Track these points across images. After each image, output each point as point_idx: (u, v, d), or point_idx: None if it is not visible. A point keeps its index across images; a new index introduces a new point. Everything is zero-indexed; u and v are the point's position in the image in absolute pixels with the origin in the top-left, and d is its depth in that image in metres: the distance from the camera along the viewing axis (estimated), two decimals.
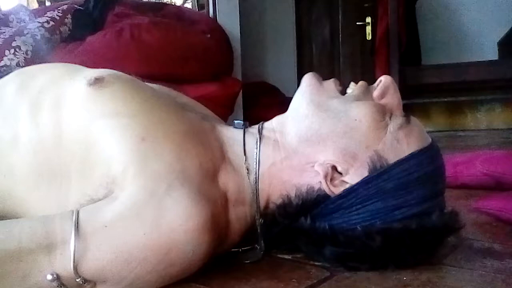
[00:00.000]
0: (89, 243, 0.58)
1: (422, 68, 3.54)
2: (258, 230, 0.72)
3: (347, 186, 0.66)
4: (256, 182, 0.70)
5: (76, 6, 2.42)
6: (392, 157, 0.65)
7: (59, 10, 2.33)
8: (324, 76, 0.74)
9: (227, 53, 2.78)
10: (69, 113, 0.68)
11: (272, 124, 0.74)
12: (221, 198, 0.67)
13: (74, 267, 0.57)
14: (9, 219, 0.69)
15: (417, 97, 3.41)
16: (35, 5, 4.03)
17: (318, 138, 0.68)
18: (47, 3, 3.88)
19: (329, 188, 0.66)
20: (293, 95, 0.73)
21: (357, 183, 0.65)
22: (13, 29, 2.17)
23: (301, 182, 0.68)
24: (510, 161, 1.17)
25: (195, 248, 0.61)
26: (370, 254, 0.65)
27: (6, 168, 0.68)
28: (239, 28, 3.04)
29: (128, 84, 0.71)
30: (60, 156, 0.66)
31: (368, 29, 3.78)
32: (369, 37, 3.77)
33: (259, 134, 0.72)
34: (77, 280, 0.58)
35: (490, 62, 3.33)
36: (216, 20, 2.95)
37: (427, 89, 3.43)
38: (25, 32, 2.14)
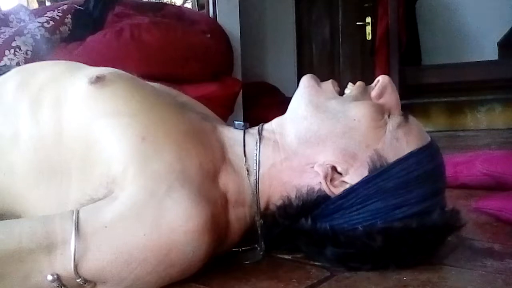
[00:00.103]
0: (89, 243, 0.58)
1: (422, 68, 3.54)
2: (259, 231, 0.72)
3: (347, 186, 0.66)
4: (256, 183, 0.70)
5: (76, 6, 2.42)
6: (392, 156, 0.65)
7: (59, 10, 2.33)
8: (324, 76, 0.74)
9: (227, 53, 2.78)
10: (70, 111, 0.68)
11: (272, 126, 0.75)
12: (221, 199, 0.67)
13: (74, 267, 0.57)
14: (8, 217, 0.69)
15: (417, 97, 3.40)
16: (35, 5, 4.03)
17: (318, 139, 0.68)
18: (47, 3, 3.87)
19: (329, 189, 0.66)
20: (293, 95, 0.74)
21: (357, 183, 0.65)
22: (13, 29, 2.17)
23: (301, 183, 0.68)
24: (510, 161, 1.17)
25: (195, 249, 0.61)
26: (371, 254, 0.65)
27: (6, 166, 0.68)
28: (239, 28, 3.04)
29: (129, 83, 0.71)
30: (61, 154, 0.66)
31: (368, 29, 3.78)
32: (369, 37, 3.76)
33: (259, 135, 0.73)
34: (78, 280, 0.58)
35: (490, 62, 3.33)
36: (216, 20, 2.95)
37: (427, 89, 3.42)
38: (25, 32, 2.14)
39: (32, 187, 0.67)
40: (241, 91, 2.75)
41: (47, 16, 2.26)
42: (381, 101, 0.70)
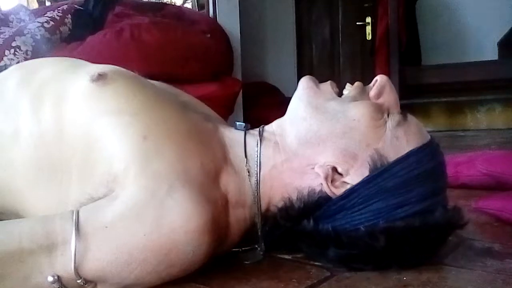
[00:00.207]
0: (89, 244, 0.58)
1: (422, 68, 3.54)
2: (259, 233, 0.72)
3: (348, 186, 0.66)
4: (257, 185, 0.70)
5: (76, 6, 2.42)
6: (392, 155, 0.65)
7: (59, 10, 2.33)
8: (324, 76, 0.75)
9: (227, 53, 2.78)
10: (71, 109, 0.67)
11: (272, 127, 0.74)
12: (221, 200, 0.67)
13: (75, 268, 0.57)
14: (8, 215, 0.69)
15: (417, 97, 3.41)
16: (35, 5, 4.03)
17: (318, 139, 0.68)
18: (47, 3, 3.87)
19: (330, 190, 0.66)
20: (293, 95, 0.74)
21: (358, 183, 0.65)
22: (13, 29, 2.17)
23: (302, 184, 0.68)
24: (510, 161, 1.17)
25: (195, 249, 0.61)
26: (374, 254, 0.64)
27: (6, 163, 0.68)
28: (239, 28, 3.04)
29: (130, 81, 0.71)
30: (61, 152, 0.66)
31: (368, 29, 3.78)
32: (369, 37, 3.77)
33: (259, 136, 0.73)
34: (78, 281, 0.58)
35: (490, 62, 3.33)
36: (216, 20, 2.95)
37: (427, 89, 3.43)
38: (25, 32, 2.13)
39: (32, 184, 0.67)
40: (241, 91, 2.75)
41: (47, 16, 2.26)
42: (380, 100, 0.70)
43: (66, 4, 2.43)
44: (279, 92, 3.34)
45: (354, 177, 0.65)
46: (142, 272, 0.60)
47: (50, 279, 0.57)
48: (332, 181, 0.66)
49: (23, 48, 2.07)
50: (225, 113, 2.39)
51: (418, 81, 3.37)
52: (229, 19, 2.98)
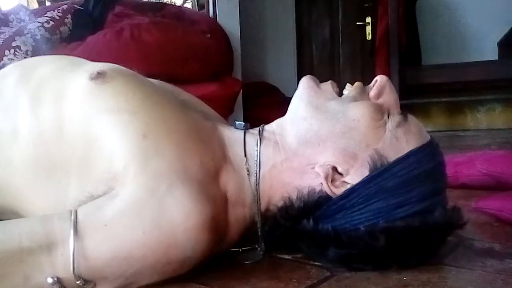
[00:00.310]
0: (88, 243, 0.58)
1: (422, 68, 3.55)
2: (259, 232, 0.72)
3: (348, 186, 0.66)
4: (257, 184, 0.70)
5: (76, 6, 2.42)
6: (392, 155, 0.65)
7: (59, 10, 2.32)
8: (324, 76, 0.74)
9: (227, 53, 2.79)
10: (70, 107, 0.68)
11: (272, 127, 0.74)
12: (221, 198, 0.67)
13: (73, 269, 0.58)
14: (8, 215, 0.69)
15: (417, 97, 3.41)
16: (35, 5, 4.03)
17: (318, 139, 0.68)
18: (47, 3, 3.87)
19: (330, 189, 0.66)
20: (293, 95, 0.74)
21: (358, 183, 0.65)
22: (13, 29, 2.17)
23: (302, 184, 0.68)
24: (510, 161, 1.17)
25: (194, 246, 0.61)
26: (374, 254, 0.64)
27: (5, 161, 0.68)
28: (239, 28, 3.04)
29: (129, 79, 0.71)
30: (60, 150, 0.66)
31: (368, 29, 3.78)
32: (369, 37, 3.76)
33: (259, 136, 0.73)
34: (78, 282, 0.58)
35: (490, 62, 3.33)
36: (216, 20, 2.95)
37: (427, 89, 3.43)
38: (25, 32, 2.13)
39: (31, 183, 0.67)
40: (241, 91, 2.75)
41: (47, 16, 2.26)
42: (380, 100, 0.70)
43: (66, 4, 2.43)
44: (279, 92, 3.34)
45: (354, 177, 0.65)
46: (140, 269, 0.60)
47: (50, 280, 0.57)
48: (332, 180, 0.66)
49: (23, 48, 2.07)
50: (225, 113, 2.39)
51: (418, 81, 3.37)
52: (229, 19, 2.98)
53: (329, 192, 0.66)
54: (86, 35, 2.27)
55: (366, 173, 0.65)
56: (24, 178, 0.67)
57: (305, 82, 0.72)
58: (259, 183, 0.70)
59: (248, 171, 0.70)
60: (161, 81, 0.83)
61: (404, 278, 0.64)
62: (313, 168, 0.67)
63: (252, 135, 0.74)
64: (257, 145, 0.71)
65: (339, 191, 0.66)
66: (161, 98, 0.71)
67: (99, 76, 0.68)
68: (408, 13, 3.46)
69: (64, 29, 2.29)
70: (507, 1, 3.34)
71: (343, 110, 0.68)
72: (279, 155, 0.71)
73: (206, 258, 0.65)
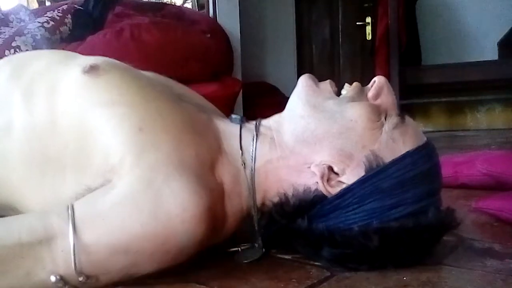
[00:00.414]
0: (87, 237, 0.59)
1: (422, 68, 3.54)
2: (256, 227, 0.72)
3: (344, 186, 0.66)
4: (252, 176, 0.70)
5: (76, 6, 2.42)
6: (388, 156, 0.65)
7: (59, 10, 2.33)
8: (324, 76, 0.74)
9: (227, 53, 2.78)
10: (64, 100, 0.68)
11: (270, 122, 0.75)
12: (217, 189, 0.67)
13: (74, 265, 0.58)
14: (6, 211, 0.69)
15: (417, 97, 3.41)
16: (35, 5, 4.02)
17: (314, 138, 0.68)
18: (47, 3, 3.87)
19: (325, 189, 0.66)
20: (292, 92, 0.74)
21: (354, 183, 0.65)
22: (13, 29, 2.17)
23: (298, 182, 0.68)
24: (510, 161, 1.17)
25: (191, 237, 0.62)
26: (368, 254, 0.65)
27: (0, 157, 0.68)
28: (239, 28, 3.04)
29: (123, 72, 0.72)
30: (54, 144, 0.67)
31: (368, 29, 3.78)
32: (369, 37, 3.76)
33: (256, 131, 0.73)
34: (80, 279, 0.59)
35: (490, 62, 3.33)
36: (216, 20, 2.95)
37: (427, 89, 3.42)
38: (25, 32, 2.13)
39: (26, 177, 0.67)
40: (241, 91, 2.75)
41: (47, 16, 2.26)
42: (378, 101, 0.70)
43: (66, 4, 2.43)
44: (279, 92, 3.34)
45: (350, 176, 0.66)
46: (139, 260, 0.61)
47: (53, 279, 0.58)
48: (328, 180, 0.66)
49: (23, 48, 2.07)
50: (225, 113, 2.36)
51: (418, 81, 3.36)
52: (229, 19, 2.97)
53: (324, 192, 0.66)
54: (86, 35, 2.27)
55: (361, 173, 0.65)
56: (18, 173, 0.68)
57: (304, 80, 0.73)
58: (254, 175, 0.70)
59: (244, 163, 0.70)
60: (155, 74, 0.83)
61: (404, 278, 0.64)
62: (309, 167, 0.68)
63: (249, 129, 0.74)
64: (253, 140, 0.71)
65: (334, 190, 0.66)
66: (156, 91, 0.72)
67: (92, 69, 0.69)
68: (408, 13, 3.46)
69: (64, 29, 2.30)
70: (507, 1, 3.34)
71: (340, 110, 0.68)
72: (275, 152, 0.71)
73: (204, 247, 0.65)
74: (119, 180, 0.62)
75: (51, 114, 0.67)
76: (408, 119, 0.69)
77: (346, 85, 0.74)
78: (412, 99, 3.32)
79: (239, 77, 2.93)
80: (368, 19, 3.77)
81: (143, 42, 2.25)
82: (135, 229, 0.60)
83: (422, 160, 0.66)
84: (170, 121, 0.68)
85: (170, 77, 0.87)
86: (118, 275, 0.62)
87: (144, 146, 0.64)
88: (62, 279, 0.58)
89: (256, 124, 0.74)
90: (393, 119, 0.68)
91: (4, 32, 2.14)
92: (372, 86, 0.71)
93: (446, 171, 1.25)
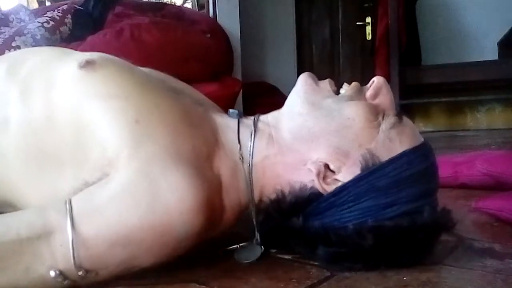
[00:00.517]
0: (85, 231, 0.59)
1: (422, 68, 3.54)
2: (254, 222, 0.72)
3: (339, 184, 0.66)
4: (250, 170, 0.70)
5: (76, 6, 2.42)
6: (384, 156, 0.65)
7: (59, 10, 2.33)
8: (324, 76, 0.75)
9: (227, 53, 2.78)
10: (60, 95, 0.68)
11: (268, 119, 0.75)
12: (214, 182, 0.67)
13: (74, 260, 0.58)
14: (6, 208, 0.69)
15: (417, 97, 3.41)
16: (35, 5, 4.03)
17: (312, 136, 0.68)
18: (47, 3, 3.87)
19: (321, 186, 0.66)
20: (292, 90, 0.74)
21: (349, 181, 0.65)
22: (13, 29, 2.17)
23: (294, 179, 0.68)
24: (510, 161, 1.17)
25: (188, 229, 0.62)
26: (362, 253, 0.65)
27: None
28: (239, 28, 3.04)
29: (119, 67, 0.72)
30: (51, 139, 0.67)
31: (368, 29, 3.78)
32: (369, 37, 3.76)
33: (254, 126, 0.73)
34: (80, 273, 0.59)
35: (490, 62, 3.33)
36: (216, 20, 2.95)
37: (427, 89, 3.42)
38: (25, 32, 2.14)
39: (23, 173, 0.68)
40: (241, 91, 2.75)
41: (47, 16, 2.26)
42: (376, 101, 0.70)
43: (66, 4, 2.43)
44: (279, 92, 3.34)
45: (345, 175, 0.66)
46: (138, 253, 0.61)
47: (52, 273, 0.58)
48: (324, 178, 0.66)
49: (23, 48, 2.07)
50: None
51: (418, 81, 3.36)
52: (229, 19, 2.97)
53: (320, 189, 0.66)
54: (86, 35, 2.27)
55: (357, 171, 0.65)
56: (16, 170, 0.68)
57: (304, 78, 0.73)
58: (251, 169, 0.70)
59: (241, 157, 0.70)
60: (151, 69, 0.84)
61: (404, 278, 0.64)
62: (305, 165, 0.68)
63: (246, 125, 0.74)
64: (251, 136, 0.72)
65: (330, 188, 0.66)
66: (152, 84, 0.72)
67: (88, 64, 0.69)
68: (408, 13, 3.46)
69: (64, 29, 2.30)
70: (507, 1, 3.34)
71: (338, 108, 0.68)
72: (273, 148, 0.71)
73: (202, 240, 0.65)
74: (116, 173, 0.62)
75: (48, 110, 0.67)
76: (405, 119, 0.69)
77: (345, 84, 0.74)
78: (412, 99, 3.32)
79: (239, 77, 2.93)
80: (368, 19, 3.77)
81: (143, 42, 2.25)
82: (133, 222, 0.60)
83: (419, 159, 0.66)
84: (167, 113, 0.68)
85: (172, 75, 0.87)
86: (117, 269, 0.62)
87: (141, 138, 0.64)
88: (61, 274, 0.58)
89: (254, 119, 0.75)
90: (390, 119, 0.68)
91: (4, 32, 2.14)
92: (370, 86, 0.72)
93: (446, 171, 1.25)
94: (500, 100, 3.43)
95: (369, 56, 3.68)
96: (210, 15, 3.01)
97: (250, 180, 0.70)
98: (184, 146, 0.66)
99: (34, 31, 2.16)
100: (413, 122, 0.72)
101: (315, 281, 0.65)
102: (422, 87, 3.39)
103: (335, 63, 4.00)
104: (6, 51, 2.04)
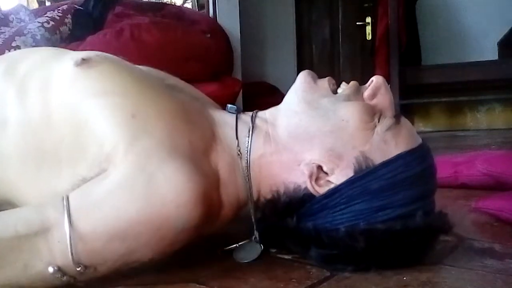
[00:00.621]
0: (83, 227, 0.59)
1: (422, 68, 3.54)
2: (252, 219, 0.72)
3: (332, 186, 0.65)
4: (247, 166, 0.70)
5: (76, 6, 2.42)
6: (378, 158, 0.65)
7: (59, 10, 2.33)
8: (323, 76, 0.74)
9: (227, 53, 2.78)
10: (57, 93, 0.68)
11: (266, 115, 0.75)
12: (212, 176, 0.67)
13: (72, 256, 0.58)
14: (5, 206, 0.69)
15: (417, 97, 3.40)
16: (35, 5, 4.03)
17: (306, 135, 0.68)
18: (47, 3, 3.87)
19: (314, 188, 0.66)
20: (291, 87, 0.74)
21: (342, 183, 0.65)
22: (13, 29, 2.17)
23: (289, 179, 0.68)
24: (510, 161, 1.17)
25: (186, 223, 0.62)
26: (354, 255, 0.64)
27: None
28: (239, 28, 3.03)
29: (115, 64, 0.72)
30: (49, 138, 0.67)
31: (368, 29, 3.78)
32: (369, 37, 3.77)
33: (252, 123, 0.73)
34: (78, 269, 0.59)
35: (490, 62, 3.33)
36: (216, 20, 2.95)
37: (427, 89, 3.42)
38: (25, 32, 2.14)
39: (22, 172, 0.68)
40: (241, 91, 2.75)
41: (47, 16, 2.26)
42: (374, 101, 0.70)
43: (66, 4, 2.43)
44: (279, 92, 3.34)
45: (338, 177, 0.65)
46: (136, 247, 0.61)
47: (51, 270, 0.58)
48: (317, 179, 0.66)
49: (23, 48, 2.07)
50: None
51: (418, 81, 3.36)
52: (229, 19, 2.97)
53: (312, 191, 0.66)
54: (86, 35, 2.27)
55: (350, 174, 0.65)
56: (14, 168, 0.68)
57: (303, 76, 0.72)
58: (249, 165, 0.70)
59: (239, 152, 0.70)
60: (148, 67, 0.84)
61: (404, 278, 0.64)
62: (299, 165, 0.68)
63: (244, 121, 0.74)
64: (249, 132, 0.71)
65: (322, 190, 0.66)
66: (149, 81, 0.72)
67: (84, 62, 0.69)
68: (408, 13, 3.46)
69: (64, 29, 2.30)
70: (507, 1, 3.34)
71: (334, 109, 0.68)
72: (269, 146, 0.71)
73: (200, 234, 0.65)
74: (113, 168, 0.62)
75: (45, 108, 0.67)
76: (403, 120, 0.69)
77: (343, 84, 0.73)
78: (412, 99, 3.32)
79: (239, 77, 2.93)
80: (368, 19, 3.77)
81: (143, 42, 2.25)
82: (130, 216, 0.60)
83: (415, 162, 0.65)
84: (163, 108, 0.68)
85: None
86: (116, 264, 0.62)
87: (137, 133, 0.64)
88: (60, 270, 0.58)
89: (252, 115, 0.74)
90: (386, 121, 0.67)
91: (4, 32, 2.14)
92: (369, 86, 0.71)
93: (446, 171, 1.25)
94: (500, 100, 3.43)
95: (369, 56, 3.68)
96: (210, 15, 3.01)
97: (248, 177, 0.70)
98: (181, 140, 0.66)
99: (34, 31, 2.15)
100: (413, 122, 0.72)
101: (315, 281, 0.65)
102: (422, 87, 3.39)
103: (335, 63, 4.00)
104: (6, 51, 2.04)
